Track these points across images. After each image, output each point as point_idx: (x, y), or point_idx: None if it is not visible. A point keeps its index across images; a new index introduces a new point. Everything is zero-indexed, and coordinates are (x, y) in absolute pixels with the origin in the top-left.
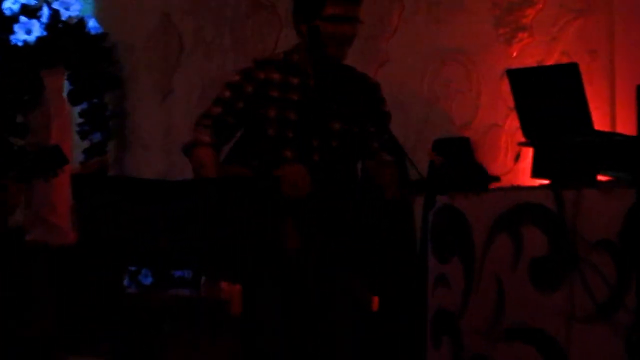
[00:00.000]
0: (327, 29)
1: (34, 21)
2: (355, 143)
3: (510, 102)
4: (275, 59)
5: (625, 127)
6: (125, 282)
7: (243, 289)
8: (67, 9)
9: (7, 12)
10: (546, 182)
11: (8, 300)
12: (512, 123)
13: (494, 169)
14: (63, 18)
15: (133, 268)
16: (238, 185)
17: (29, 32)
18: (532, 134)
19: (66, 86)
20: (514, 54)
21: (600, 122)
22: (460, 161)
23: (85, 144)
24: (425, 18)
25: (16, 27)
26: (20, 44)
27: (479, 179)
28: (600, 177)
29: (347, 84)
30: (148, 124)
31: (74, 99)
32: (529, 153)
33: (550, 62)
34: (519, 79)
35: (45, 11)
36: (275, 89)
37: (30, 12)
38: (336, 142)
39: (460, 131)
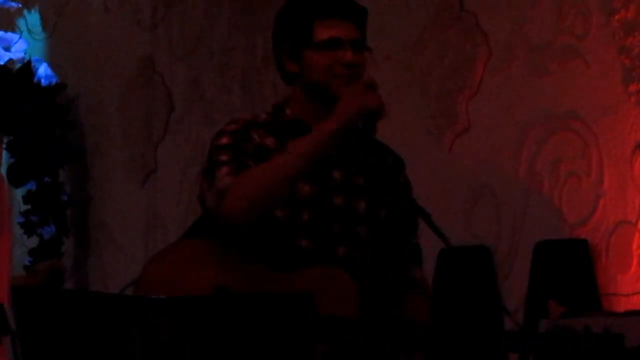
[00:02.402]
0: (322, 61)
1: None
2: (386, 235)
3: None
4: (261, 119)
5: None
6: None
7: None
8: (7, 49)
9: None
10: None
11: None
12: None
13: (623, 285)
14: (1, 62)
15: None
16: (258, 303)
17: None
18: None
19: (5, 158)
20: None
21: None
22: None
23: (33, 241)
24: (523, 69)
25: None
26: None
27: None
28: None
29: (366, 150)
30: (122, 214)
31: (16, 177)
32: None
33: None
34: None
35: None
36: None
37: None
38: (363, 229)
39: (573, 231)
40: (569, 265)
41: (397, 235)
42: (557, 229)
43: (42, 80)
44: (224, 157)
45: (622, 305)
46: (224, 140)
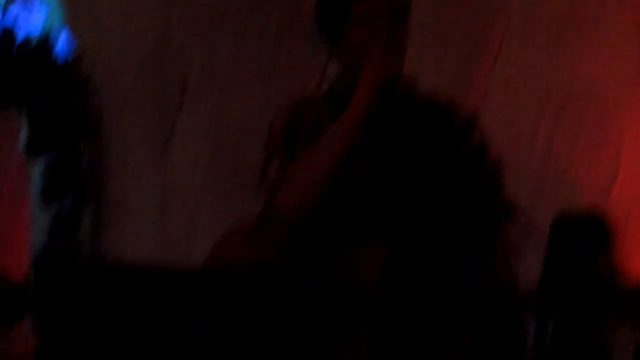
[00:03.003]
0: (360, 35)
1: None
2: (454, 201)
3: None
4: (319, 93)
5: None
6: None
7: None
8: (25, 20)
9: None
10: None
11: None
12: None
13: None
14: (19, 34)
15: None
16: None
17: None
18: None
19: (23, 131)
20: None
21: None
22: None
23: (50, 214)
24: (541, 40)
25: None
26: None
27: None
28: None
29: (427, 115)
30: (138, 188)
31: (33, 150)
32: None
33: None
34: None
35: None
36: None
37: None
38: (424, 197)
39: (592, 207)
40: (587, 241)
41: (468, 198)
42: (575, 204)
43: (61, 52)
44: (277, 142)
45: None
46: (278, 122)
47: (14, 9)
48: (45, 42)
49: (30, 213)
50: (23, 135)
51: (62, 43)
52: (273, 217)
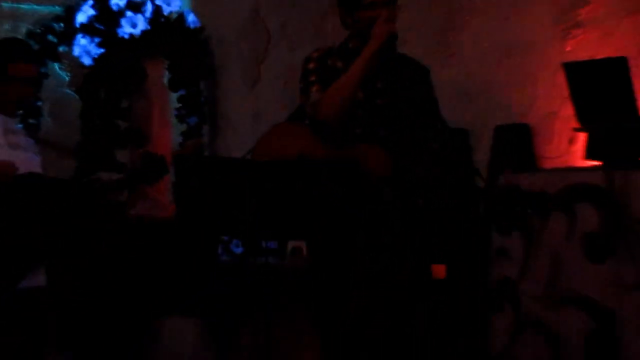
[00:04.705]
0: (368, 15)
1: (139, 16)
2: (414, 121)
3: (566, 92)
4: (335, 47)
5: None
6: (219, 251)
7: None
8: (168, 4)
9: (115, 8)
10: (598, 163)
11: (116, 272)
12: (567, 111)
13: (550, 151)
14: (165, 13)
15: (226, 238)
16: (321, 167)
17: (134, 25)
18: (586, 120)
19: (166, 75)
20: (568, 49)
21: None
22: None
23: (183, 127)
24: (493, 15)
25: (123, 21)
26: (126, 36)
27: None
28: None
29: (400, 68)
30: (238, 110)
31: (173, 86)
32: (582, 137)
33: (601, 56)
34: (574, 71)
35: (148, 7)
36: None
37: (135, 7)
38: (396, 118)
39: (520, 118)
40: (517, 142)
41: (421, 121)
42: (510, 117)
43: (190, 25)
44: (313, 78)
45: (548, 164)
46: (312, 65)
47: None
48: (181, 16)
49: (170, 124)
50: (166, 76)
51: (192, 17)
52: (318, 121)
